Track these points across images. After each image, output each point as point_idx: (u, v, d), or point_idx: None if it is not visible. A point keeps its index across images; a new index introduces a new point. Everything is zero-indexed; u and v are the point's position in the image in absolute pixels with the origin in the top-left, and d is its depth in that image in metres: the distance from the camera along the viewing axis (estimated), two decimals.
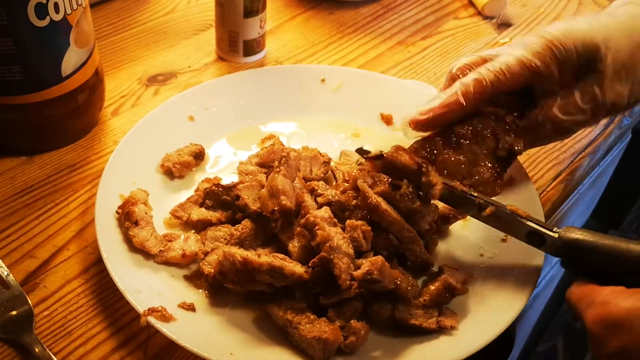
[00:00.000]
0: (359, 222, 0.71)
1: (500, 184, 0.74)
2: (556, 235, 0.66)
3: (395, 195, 0.72)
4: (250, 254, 0.67)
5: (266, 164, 0.85)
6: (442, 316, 0.69)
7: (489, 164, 0.74)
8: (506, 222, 0.70)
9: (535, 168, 0.92)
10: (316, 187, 0.78)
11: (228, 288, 0.70)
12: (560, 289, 1.69)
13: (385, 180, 0.72)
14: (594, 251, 0.63)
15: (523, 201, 0.79)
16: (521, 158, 0.90)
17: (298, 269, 0.67)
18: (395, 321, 0.69)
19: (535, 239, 0.68)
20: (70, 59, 0.83)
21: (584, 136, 0.98)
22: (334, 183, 0.83)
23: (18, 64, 0.78)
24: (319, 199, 0.75)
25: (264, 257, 0.68)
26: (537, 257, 0.74)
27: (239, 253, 0.67)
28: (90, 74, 0.88)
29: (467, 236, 0.80)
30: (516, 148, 0.74)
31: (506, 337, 0.73)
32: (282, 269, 0.66)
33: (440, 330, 0.68)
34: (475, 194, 0.71)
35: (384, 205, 0.70)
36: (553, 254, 0.67)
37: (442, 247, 0.79)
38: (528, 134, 0.75)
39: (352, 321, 0.65)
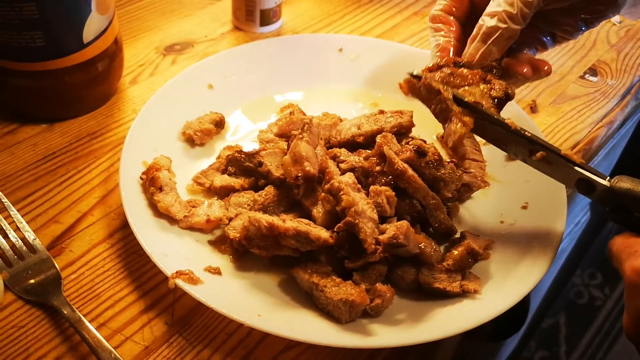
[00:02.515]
0: (383, 188, 0.71)
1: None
2: (607, 183, 0.65)
3: (420, 162, 0.72)
4: (276, 219, 0.68)
5: (285, 134, 0.85)
6: (465, 280, 0.70)
7: (490, 101, 0.73)
8: (556, 167, 0.68)
9: (553, 137, 0.93)
10: (338, 154, 0.78)
11: (252, 253, 0.70)
12: (568, 264, 1.70)
13: (410, 147, 0.73)
14: None
15: None
16: (540, 127, 0.90)
17: (323, 233, 0.68)
18: (419, 285, 0.69)
19: (584, 186, 0.67)
20: (92, 26, 0.83)
21: (601, 106, 0.99)
22: None
23: (41, 29, 0.78)
24: (342, 165, 0.76)
25: (289, 222, 0.68)
26: (558, 224, 0.74)
27: (265, 218, 0.68)
28: (110, 41, 0.88)
29: (487, 203, 0.81)
30: (509, 91, 0.73)
31: (521, 307, 0.74)
32: (308, 234, 0.67)
33: (464, 294, 0.69)
34: (529, 134, 0.69)
35: (411, 171, 0.71)
36: (601, 203, 0.66)
37: (463, 213, 0.79)
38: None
39: (377, 284, 0.66)
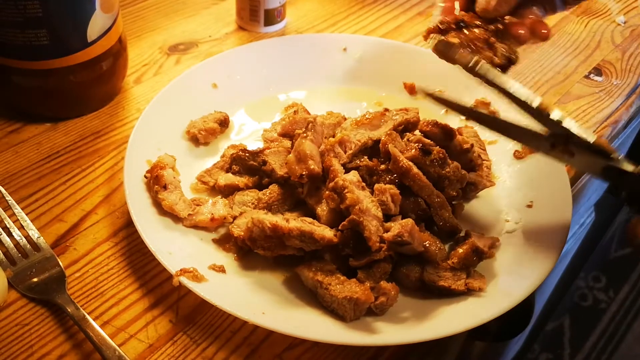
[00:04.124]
0: (388, 186, 0.71)
1: None
2: (634, 170, 0.63)
3: (425, 160, 0.72)
4: (280, 220, 0.67)
5: (288, 134, 0.85)
6: (470, 278, 0.69)
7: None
8: (580, 158, 0.66)
9: None
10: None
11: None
12: (572, 266, 1.69)
13: (415, 145, 0.73)
14: None
15: (549, 170, 0.80)
16: None
17: (327, 232, 0.68)
18: (424, 283, 0.69)
19: (610, 174, 0.65)
20: (96, 24, 0.83)
21: (606, 106, 0.99)
22: None
23: (45, 28, 0.78)
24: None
25: (292, 222, 0.68)
26: (563, 222, 0.74)
27: (268, 219, 0.67)
28: (114, 40, 0.88)
29: (492, 202, 0.80)
30: (513, 56, 0.72)
31: (526, 307, 0.73)
32: (312, 234, 0.67)
33: (469, 292, 0.69)
34: (558, 120, 0.65)
35: (416, 169, 0.71)
36: (627, 189, 0.65)
37: (468, 212, 0.79)
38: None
39: (382, 282, 0.66)
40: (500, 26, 0.71)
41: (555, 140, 0.67)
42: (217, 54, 0.95)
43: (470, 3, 0.74)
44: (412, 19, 1.15)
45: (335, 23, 1.12)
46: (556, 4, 0.76)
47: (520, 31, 0.72)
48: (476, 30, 0.72)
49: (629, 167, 0.64)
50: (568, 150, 0.67)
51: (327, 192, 0.71)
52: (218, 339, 0.66)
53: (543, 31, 0.73)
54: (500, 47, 0.71)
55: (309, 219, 0.70)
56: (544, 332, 1.99)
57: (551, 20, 1.17)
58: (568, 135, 0.66)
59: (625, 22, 1.18)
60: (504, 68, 0.72)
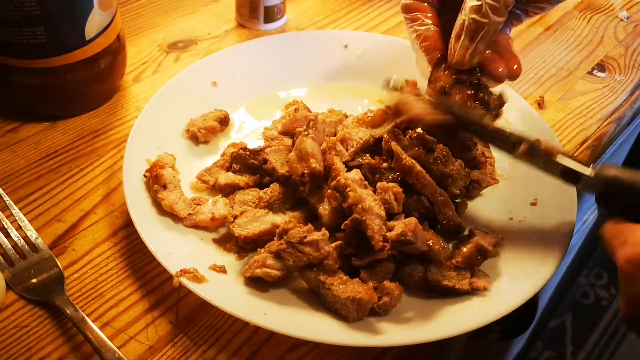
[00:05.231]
0: (390, 185, 0.70)
1: None
2: (591, 172, 0.64)
3: (428, 158, 0.71)
4: (283, 270, 0.66)
5: (289, 132, 0.84)
6: (474, 278, 0.69)
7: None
8: (538, 160, 0.68)
9: (562, 134, 0.91)
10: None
11: (258, 251, 0.69)
12: (575, 264, 1.69)
13: (418, 143, 0.72)
14: (630, 189, 0.62)
15: None
16: (548, 123, 0.89)
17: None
18: (428, 283, 0.68)
19: (570, 176, 0.66)
20: (94, 22, 0.82)
21: (609, 102, 0.98)
22: None
23: (42, 25, 0.78)
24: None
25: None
26: (567, 220, 0.73)
27: (274, 272, 0.66)
28: (112, 38, 0.87)
29: (496, 200, 0.80)
30: (504, 99, 0.74)
31: (530, 305, 0.72)
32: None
33: (473, 292, 0.68)
34: (509, 131, 0.69)
35: (419, 166, 0.70)
36: (588, 191, 0.66)
37: (471, 210, 0.78)
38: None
39: (385, 282, 0.65)
40: (476, 80, 0.72)
41: (517, 141, 0.68)
42: (217, 52, 0.94)
43: (443, 58, 0.75)
44: None
45: (336, 20, 1.11)
46: (520, 16, 0.76)
47: (499, 69, 0.72)
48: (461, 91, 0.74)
49: (585, 170, 0.65)
50: (529, 152, 0.68)
51: (329, 191, 0.70)
52: (219, 341, 0.65)
53: (515, 67, 0.73)
54: (489, 94, 0.73)
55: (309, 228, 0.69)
56: (546, 330, 1.99)
57: (553, 16, 1.16)
58: (524, 138, 0.68)
59: (628, 18, 1.17)
60: (497, 110, 0.74)
